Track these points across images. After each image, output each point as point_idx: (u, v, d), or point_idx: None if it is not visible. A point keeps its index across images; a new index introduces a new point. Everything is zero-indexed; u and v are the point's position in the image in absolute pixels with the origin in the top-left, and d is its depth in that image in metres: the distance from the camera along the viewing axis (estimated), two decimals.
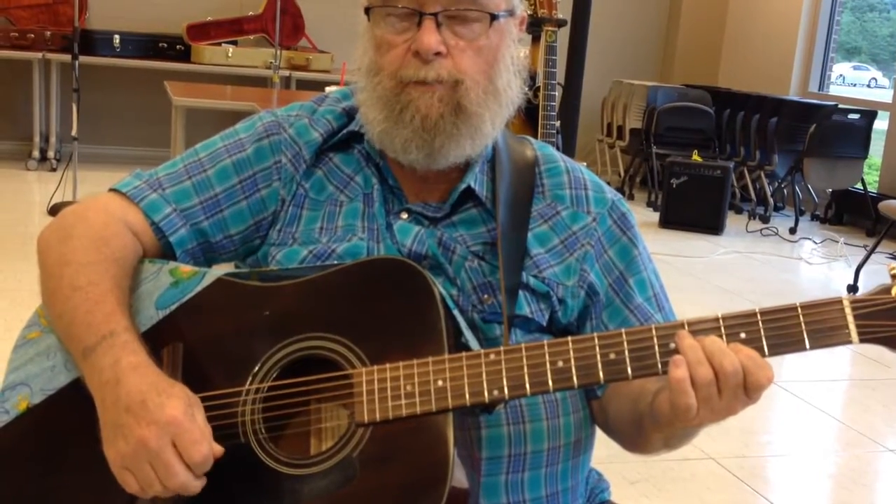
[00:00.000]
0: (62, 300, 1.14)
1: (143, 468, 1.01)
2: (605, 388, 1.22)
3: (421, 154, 1.17)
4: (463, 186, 1.22)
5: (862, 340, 0.98)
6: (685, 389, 0.97)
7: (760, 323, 0.99)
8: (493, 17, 1.16)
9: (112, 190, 1.26)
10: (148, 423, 1.01)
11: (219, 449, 1.03)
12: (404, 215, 1.23)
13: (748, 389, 0.98)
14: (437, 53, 1.14)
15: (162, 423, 1.00)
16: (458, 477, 1.00)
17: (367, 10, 1.19)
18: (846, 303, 0.98)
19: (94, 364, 1.08)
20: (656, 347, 1.00)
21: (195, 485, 1.02)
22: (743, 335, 0.99)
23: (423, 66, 1.14)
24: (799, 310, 0.99)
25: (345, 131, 1.27)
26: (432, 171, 1.21)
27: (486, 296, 1.18)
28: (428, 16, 1.14)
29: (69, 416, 1.13)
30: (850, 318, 0.98)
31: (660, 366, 1.00)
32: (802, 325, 0.98)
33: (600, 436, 1.27)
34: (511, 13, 1.20)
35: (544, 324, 1.20)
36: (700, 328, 1.00)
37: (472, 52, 1.16)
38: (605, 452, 1.34)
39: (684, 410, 0.98)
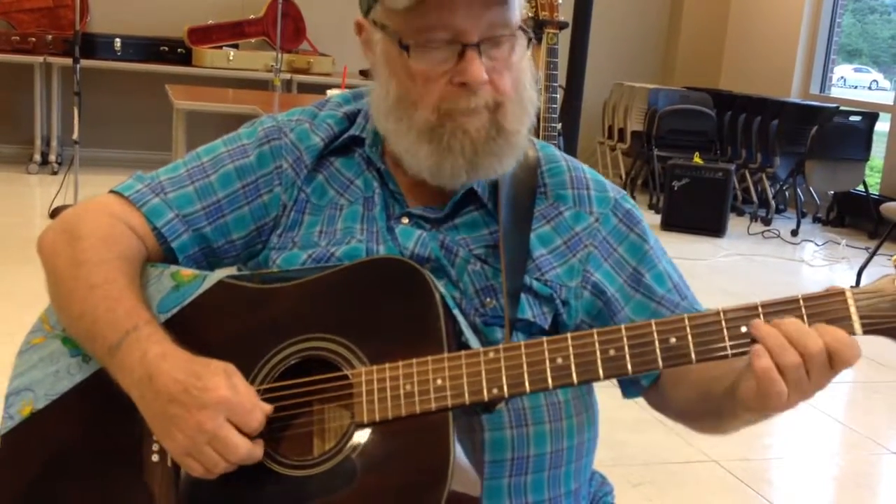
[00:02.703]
0: (80, 300, 1.13)
1: (204, 451, 1.02)
2: (650, 378, 1.21)
3: (468, 176, 1.17)
4: (464, 189, 1.22)
5: (866, 332, 0.97)
6: (773, 378, 0.96)
7: (762, 316, 0.99)
8: (521, 32, 1.16)
9: (113, 192, 1.25)
10: (199, 408, 1.02)
11: (268, 407, 1.05)
12: (405, 220, 1.23)
13: (834, 365, 0.97)
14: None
15: (212, 405, 1.02)
16: (460, 480, 1.00)
17: (400, 42, 1.14)
18: (849, 294, 0.97)
19: (122, 361, 1.08)
20: (656, 343, 1.00)
21: (258, 450, 1.04)
22: (744, 329, 0.99)
23: (471, 96, 1.13)
24: (801, 301, 0.98)
25: (346, 136, 1.27)
26: None
27: (488, 299, 1.18)
28: (471, 47, 1.12)
29: (73, 420, 1.13)
30: (853, 310, 0.97)
31: (660, 361, 1.00)
32: (805, 316, 0.98)
33: (602, 438, 1.27)
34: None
35: (546, 327, 1.19)
36: (702, 321, 0.99)
37: (506, 71, 1.15)
38: (607, 454, 1.34)
39: (776, 398, 0.97)
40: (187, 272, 1.18)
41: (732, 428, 1.13)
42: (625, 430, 3.04)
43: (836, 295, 0.98)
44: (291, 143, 1.27)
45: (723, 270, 5.63)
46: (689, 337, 1.00)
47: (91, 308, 1.12)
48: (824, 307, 0.98)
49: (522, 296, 1.17)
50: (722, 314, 1.00)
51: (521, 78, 1.18)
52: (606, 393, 1.28)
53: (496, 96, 1.15)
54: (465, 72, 1.12)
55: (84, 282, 1.14)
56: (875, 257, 5.38)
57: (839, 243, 6.46)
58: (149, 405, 1.06)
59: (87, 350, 1.15)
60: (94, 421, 1.09)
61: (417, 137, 1.16)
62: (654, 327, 1.00)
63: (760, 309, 0.99)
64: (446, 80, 1.13)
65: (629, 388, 1.25)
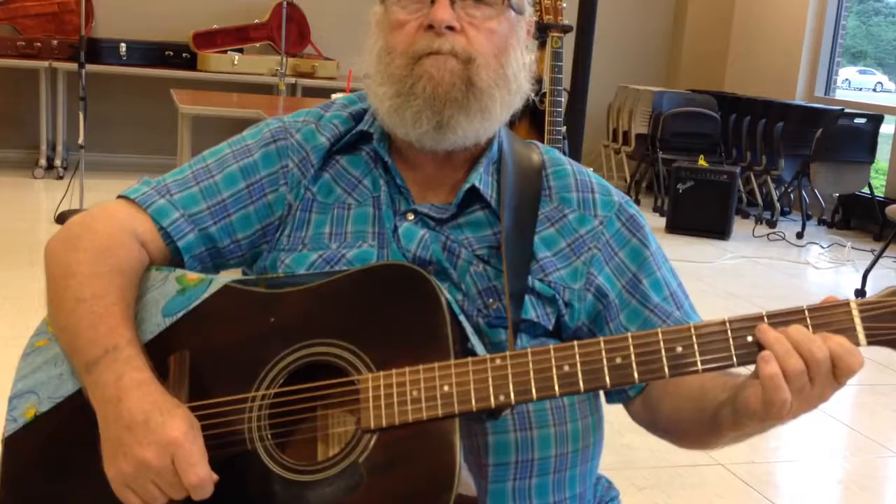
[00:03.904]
0: (66, 312, 1.13)
1: (145, 486, 1.02)
2: (638, 388, 1.21)
3: (431, 125, 1.17)
4: (467, 186, 1.22)
5: (870, 343, 0.97)
6: (779, 385, 0.96)
7: (767, 325, 0.99)
8: (512, 11, 1.19)
9: (120, 197, 1.26)
10: (150, 443, 1.01)
11: (214, 476, 1.03)
12: (410, 216, 1.23)
13: (838, 375, 0.97)
14: (451, 28, 1.15)
15: (163, 443, 1.01)
16: (465, 484, 1.00)
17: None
18: (854, 305, 0.98)
19: (97, 379, 1.07)
20: (663, 352, 1.00)
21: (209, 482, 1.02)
22: (749, 338, 0.99)
23: (436, 38, 1.16)
24: (806, 312, 0.98)
25: (354, 131, 1.28)
26: (439, 157, 1.21)
27: (491, 300, 1.18)
28: None
29: (77, 424, 1.13)
30: (857, 321, 0.97)
31: (667, 370, 1.00)
32: (810, 327, 0.98)
33: (608, 442, 1.26)
34: (520, 12, 1.22)
35: (550, 328, 1.19)
36: (708, 330, 1.00)
37: (483, 32, 1.18)
38: (613, 458, 1.33)
39: (780, 405, 0.97)
40: (193, 276, 1.18)
41: (726, 441, 1.13)
42: (631, 433, 3.02)
43: (840, 306, 0.98)
44: (297, 144, 1.27)
45: (728, 273, 5.62)
46: (696, 346, 0.99)
47: (75, 322, 1.12)
48: (829, 318, 0.98)
49: (526, 297, 1.17)
50: (728, 323, 0.99)
51: (505, 52, 1.20)
52: None
53: (468, 49, 1.16)
54: (431, 14, 1.15)
55: (72, 294, 1.13)
56: (880, 259, 5.38)
57: (844, 245, 6.44)
58: (107, 427, 1.05)
59: (70, 363, 1.14)
60: (98, 424, 1.09)
61: (386, 80, 1.19)
62: (660, 336, 1.00)
63: (766, 318, 0.99)
64: (418, 25, 1.17)
65: (613, 394, 1.24)
